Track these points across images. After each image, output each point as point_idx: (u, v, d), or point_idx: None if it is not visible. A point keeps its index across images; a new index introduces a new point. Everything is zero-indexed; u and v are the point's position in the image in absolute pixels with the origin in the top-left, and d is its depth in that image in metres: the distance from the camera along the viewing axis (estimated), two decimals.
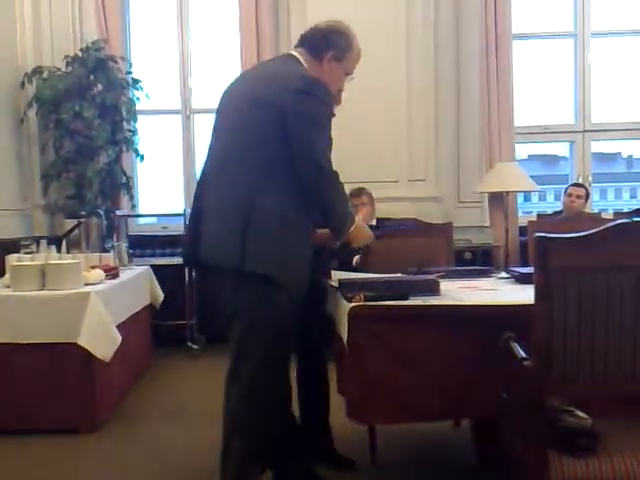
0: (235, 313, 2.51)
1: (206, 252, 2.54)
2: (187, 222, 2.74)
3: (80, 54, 5.87)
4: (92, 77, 5.84)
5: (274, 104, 2.46)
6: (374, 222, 5.29)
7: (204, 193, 2.64)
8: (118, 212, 5.79)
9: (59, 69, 5.90)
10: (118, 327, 3.95)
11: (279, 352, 2.53)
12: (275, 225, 2.44)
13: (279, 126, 2.44)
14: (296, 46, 2.73)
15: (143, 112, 6.18)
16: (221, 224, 2.50)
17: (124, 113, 5.93)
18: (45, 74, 5.85)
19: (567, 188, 5.89)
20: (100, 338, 3.74)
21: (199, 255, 2.56)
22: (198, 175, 2.75)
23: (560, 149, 7.57)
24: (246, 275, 2.42)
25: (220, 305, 2.59)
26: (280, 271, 2.44)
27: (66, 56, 5.89)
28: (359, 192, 5.24)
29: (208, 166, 2.69)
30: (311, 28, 2.73)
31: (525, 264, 4.65)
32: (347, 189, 5.54)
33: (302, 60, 2.65)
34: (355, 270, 4.12)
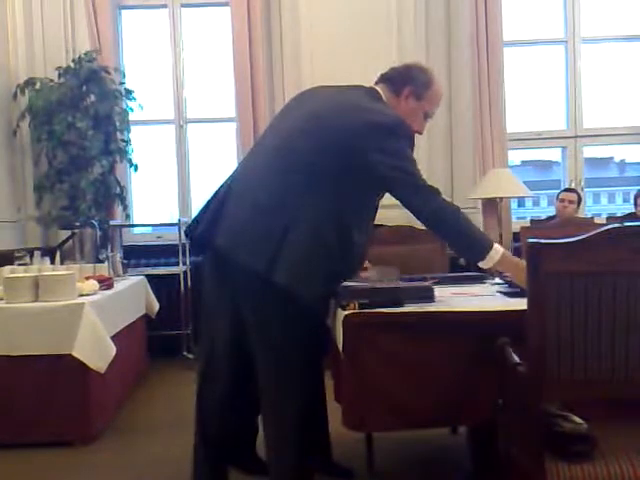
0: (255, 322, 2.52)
1: (229, 241, 2.48)
2: (211, 197, 2.64)
3: (73, 65, 5.87)
4: (85, 88, 5.84)
5: (348, 137, 2.43)
6: None
7: (240, 178, 2.60)
8: (112, 222, 5.78)
9: (52, 80, 5.89)
10: (113, 338, 3.94)
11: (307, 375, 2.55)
12: (311, 244, 2.41)
13: (343, 150, 2.42)
14: (376, 83, 2.70)
15: (136, 122, 6.18)
16: (254, 224, 2.44)
17: (117, 123, 5.93)
18: (38, 85, 5.84)
19: (559, 193, 5.92)
20: (95, 349, 3.73)
21: (214, 237, 2.50)
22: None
23: (553, 154, 7.60)
24: (270, 283, 2.39)
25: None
26: (301, 286, 2.41)
27: (58, 67, 5.89)
28: None
29: (253, 157, 2.67)
30: (391, 67, 2.72)
31: None
32: None
33: (382, 94, 2.62)
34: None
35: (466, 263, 5.66)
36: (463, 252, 2.58)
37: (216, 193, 2.64)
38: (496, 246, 2.49)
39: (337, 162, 2.44)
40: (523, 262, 2.35)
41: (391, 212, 5.58)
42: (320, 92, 2.77)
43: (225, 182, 2.65)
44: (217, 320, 2.67)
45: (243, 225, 2.46)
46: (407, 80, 2.63)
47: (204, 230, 2.57)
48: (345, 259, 2.50)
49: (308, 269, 2.41)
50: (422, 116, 2.68)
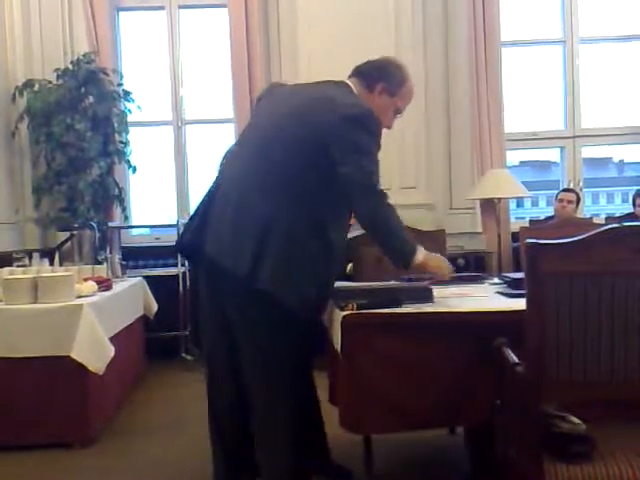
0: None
1: (214, 248, 2.50)
2: (199, 205, 2.68)
3: (71, 67, 5.87)
4: (83, 89, 5.84)
5: (317, 125, 2.44)
6: None
7: (221, 183, 2.62)
8: (111, 224, 5.78)
9: (50, 82, 5.89)
10: (111, 339, 3.93)
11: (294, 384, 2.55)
12: (289, 246, 2.42)
13: (317, 147, 2.43)
14: (349, 76, 2.70)
15: (135, 124, 6.19)
16: (235, 230, 2.45)
17: (116, 125, 5.93)
18: (36, 87, 5.84)
19: (558, 194, 5.92)
20: (93, 350, 3.73)
21: (202, 245, 2.53)
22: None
23: (551, 155, 7.60)
24: (251, 288, 2.41)
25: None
26: (284, 291, 2.42)
27: (57, 69, 5.89)
28: None
29: (233, 160, 2.71)
30: (367, 61, 2.71)
31: (518, 270, 4.66)
32: None
33: (354, 89, 2.62)
34: (348, 278, 4.13)
35: (464, 264, 5.68)
36: (393, 258, 2.57)
37: (202, 200, 2.67)
38: (419, 249, 2.55)
39: (306, 159, 2.45)
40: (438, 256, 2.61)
41: None
42: (293, 89, 2.81)
43: (209, 188, 2.68)
44: (213, 329, 2.68)
45: (226, 230, 2.48)
46: (382, 76, 2.63)
47: (191, 238, 2.60)
48: (325, 259, 2.49)
49: (287, 272, 2.42)
50: (392, 112, 2.70)
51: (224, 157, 3.21)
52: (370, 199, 2.45)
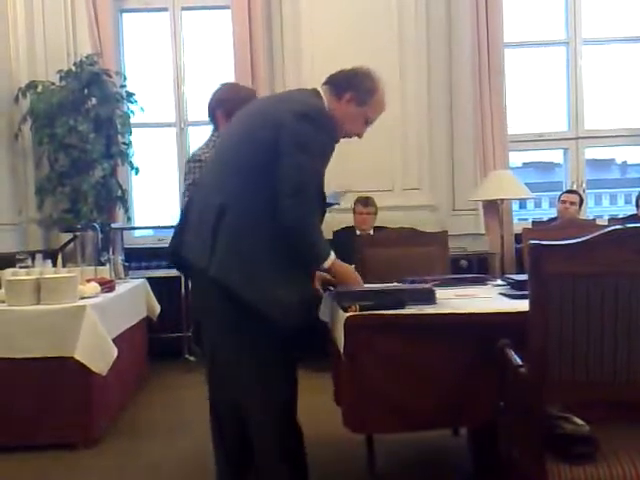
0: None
1: (186, 249, 2.59)
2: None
3: (74, 68, 5.88)
4: (86, 91, 5.85)
5: (274, 122, 2.46)
6: (371, 231, 5.41)
7: (198, 187, 2.72)
8: (113, 225, 5.79)
9: (53, 83, 5.91)
10: (114, 340, 3.94)
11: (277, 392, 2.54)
12: (244, 236, 2.43)
13: (271, 141, 2.43)
14: (323, 84, 2.70)
15: (137, 125, 6.19)
16: (199, 225, 2.52)
17: (119, 126, 5.94)
18: (39, 88, 5.86)
19: (561, 195, 5.92)
20: (96, 352, 3.73)
21: (181, 249, 2.61)
22: None
23: (554, 156, 7.60)
24: (214, 282, 2.45)
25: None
26: (245, 286, 2.42)
27: (60, 70, 5.90)
28: (367, 202, 5.48)
29: (205, 172, 2.77)
30: (340, 70, 2.71)
31: (521, 271, 4.66)
32: (351, 197, 5.66)
33: (323, 95, 2.63)
34: None
35: (467, 265, 5.69)
36: (309, 261, 2.57)
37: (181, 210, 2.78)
38: (331, 255, 2.56)
39: (258, 152, 2.46)
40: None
41: (393, 214, 5.62)
42: (264, 97, 2.92)
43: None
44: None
45: (192, 230, 2.57)
46: (351, 85, 2.62)
47: (174, 246, 2.67)
48: (286, 245, 2.46)
49: (239, 259, 2.43)
50: (363, 121, 2.68)
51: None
52: (295, 197, 2.40)
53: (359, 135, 2.72)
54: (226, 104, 3.16)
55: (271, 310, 2.42)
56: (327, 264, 2.55)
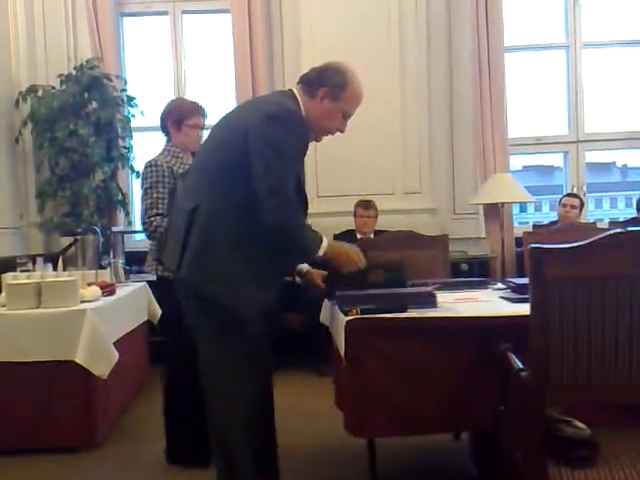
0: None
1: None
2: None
3: (74, 72, 5.89)
4: (87, 95, 5.86)
5: (246, 126, 2.48)
6: (372, 235, 5.42)
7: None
8: (114, 229, 5.78)
9: (54, 87, 5.91)
10: (115, 344, 3.93)
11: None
12: (212, 235, 2.47)
13: (241, 144, 2.45)
14: (297, 83, 2.71)
15: (138, 129, 6.19)
16: (176, 229, 2.59)
17: (119, 130, 5.94)
18: (40, 92, 5.86)
19: (561, 198, 5.92)
20: (97, 355, 3.73)
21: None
22: None
23: (554, 160, 7.60)
24: (184, 285, 2.54)
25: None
26: (211, 284, 2.47)
27: (60, 74, 5.91)
28: (368, 205, 5.51)
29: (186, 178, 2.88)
30: (311, 68, 2.72)
31: (521, 275, 4.66)
32: (351, 201, 5.65)
33: (298, 96, 2.63)
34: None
35: (468, 269, 5.68)
36: (297, 258, 2.62)
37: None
38: (324, 243, 2.56)
39: (228, 155, 2.49)
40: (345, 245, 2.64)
41: (393, 218, 5.63)
42: (243, 102, 2.96)
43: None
44: None
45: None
46: (322, 82, 2.62)
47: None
48: (255, 245, 2.48)
49: (207, 259, 2.47)
50: (340, 116, 2.67)
51: None
52: (273, 198, 2.40)
53: (340, 130, 2.70)
54: (174, 114, 3.54)
55: (235, 307, 2.47)
56: (321, 253, 2.55)
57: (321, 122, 2.62)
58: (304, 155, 2.59)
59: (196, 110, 3.60)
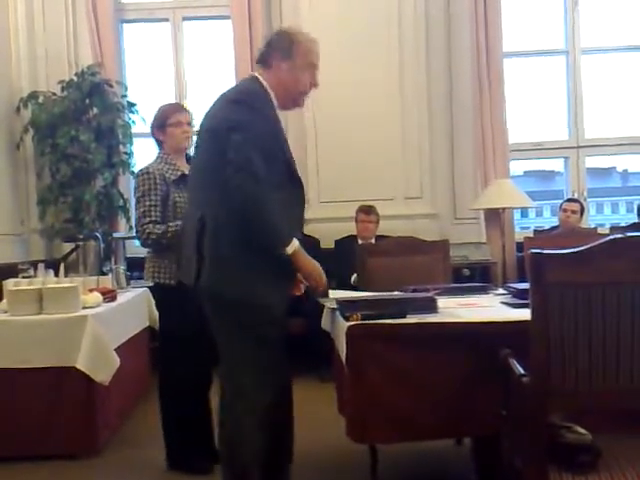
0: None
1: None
2: None
3: (75, 78, 5.89)
4: (87, 101, 5.87)
5: (216, 122, 2.55)
6: (373, 240, 5.42)
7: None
8: (115, 235, 5.78)
9: (54, 94, 5.92)
10: (117, 350, 3.93)
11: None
12: (222, 240, 2.48)
13: (217, 143, 2.48)
14: (256, 64, 2.76)
15: (139, 135, 6.18)
16: (187, 242, 2.63)
17: (120, 136, 5.95)
18: (40, 99, 5.87)
19: (562, 204, 5.92)
20: (99, 361, 3.73)
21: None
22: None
23: (555, 165, 7.61)
24: (203, 291, 2.56)
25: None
26: (227, 287, 2.50)
27: (61, 81, 5.91)
28: (369, 210, 5.52)
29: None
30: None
31: (523, 280, 4.66)
32: (352, 206, 5.64)
33: (259, 76, 2.65)
34: (353, 288, 4.15)
35: (469, 274, 5.68)
36: (265, 241, 2.48)
37: None
38: (295, 242, 2.51)
39: (215, 150, 2.50)
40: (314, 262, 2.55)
41: (394, 223, 5.63)
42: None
43: None
44: None
45: (184, 247, 2.69)
46: (270, 50, 2.66)
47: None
48: (263, 250, 2.48)
49: (222, 266, 2.50)
50: (307, 73, 2.65)
51: None
52: (238, 174, 2.40)
53: (314, 85, 2.69)
54: (157, 121, 3.61)
55: (251, 307, 2.49)
56: (289, 250, 2.47)
57: (288, 86, 2.63)
58: (279, 133, 2.60)
59: (175, 108, 3.67)
